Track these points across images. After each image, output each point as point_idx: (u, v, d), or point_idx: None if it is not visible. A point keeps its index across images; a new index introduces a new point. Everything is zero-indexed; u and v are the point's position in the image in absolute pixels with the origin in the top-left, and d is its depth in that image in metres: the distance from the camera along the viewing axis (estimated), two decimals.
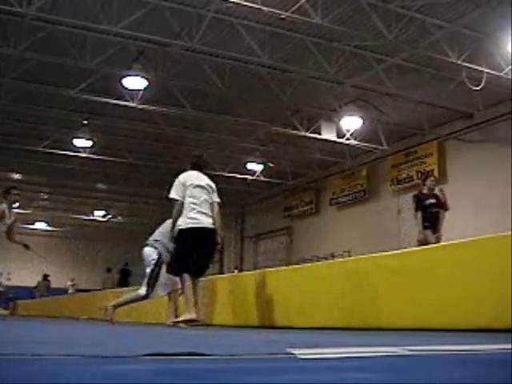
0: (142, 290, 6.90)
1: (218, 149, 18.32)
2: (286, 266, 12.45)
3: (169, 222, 6.52)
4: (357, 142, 16.29)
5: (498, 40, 11.03)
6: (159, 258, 7.03)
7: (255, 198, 23.92)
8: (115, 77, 12.78)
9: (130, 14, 10.38)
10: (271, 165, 19.52)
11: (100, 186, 23.70)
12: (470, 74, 12.23)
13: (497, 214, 12.95)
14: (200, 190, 6.24)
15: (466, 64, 11.69)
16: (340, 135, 15.89)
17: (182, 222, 6.12)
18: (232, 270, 21.68)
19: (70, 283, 25.26)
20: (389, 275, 5.40)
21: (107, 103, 14.15)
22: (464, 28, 11.08)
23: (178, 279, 6.61)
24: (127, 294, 7.76)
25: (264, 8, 9.92)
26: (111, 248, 30.62)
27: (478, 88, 12.42)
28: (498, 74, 11.96)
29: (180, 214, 6.14)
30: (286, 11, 10.11)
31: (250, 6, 9.92)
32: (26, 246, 8.89)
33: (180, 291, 6.95)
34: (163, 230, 7.11)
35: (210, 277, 8.12)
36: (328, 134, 15.53)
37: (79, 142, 17.06)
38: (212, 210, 6.24)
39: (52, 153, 17.56)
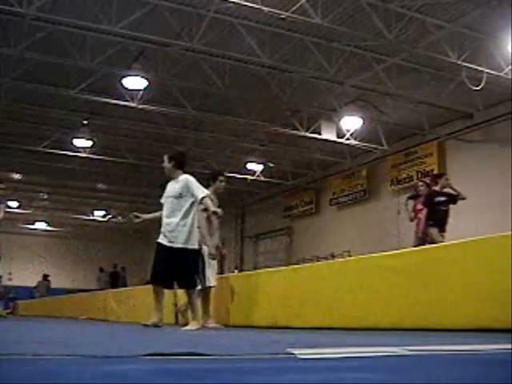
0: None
1: (218, 149, 18.31)
2: (286, 265, 12.46)
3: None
4: (357, 142, 16.28)
5: (498, 40, 11.03)
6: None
7: (255, 198, 23.91)
8: (115, 77, 12.78)
9: (129, 14, 10.38)
10: (271, 165, 19.52)
11: (100, 185, 23.69)
12: (469, 74, 12.23)
13: (497, 214, 12.94)
14: None
15: (466, 64, 11.69)
16: (340, 135, 15.88)
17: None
18: (232, 270, 21.69)
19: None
20: (389, 275, 5.40)
21: (107, 103, 14.14)
22: (464, 28, 11.08)
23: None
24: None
25: (264, 8, 9.92)
26: (111, 248, 30.65)
27: (478, 88, 12.41)
28: (497, 73, 11.96)
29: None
30: (286, 11, 10.10)
31: (250, 6, 9.91)
32: None
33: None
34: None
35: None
36: (328, 134, 15.53)
37: (79, 142, 17.05)
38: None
39: (52, 153, 17.55)
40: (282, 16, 10.22)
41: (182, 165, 6.28)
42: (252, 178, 19.89)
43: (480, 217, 13.52)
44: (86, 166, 19.59)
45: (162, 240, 6.09)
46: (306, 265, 8.61)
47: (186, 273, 6.08)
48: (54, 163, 19.10)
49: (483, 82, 12.14)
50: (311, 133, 15.74)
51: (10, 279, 28.08)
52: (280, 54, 11.96)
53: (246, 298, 7.39)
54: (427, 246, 6.80)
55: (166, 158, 6.36)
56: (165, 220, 6.14)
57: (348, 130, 15.76)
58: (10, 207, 25.65)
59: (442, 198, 9.05)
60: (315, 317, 6.21)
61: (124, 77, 12.62)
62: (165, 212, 6.18)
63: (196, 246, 6.13)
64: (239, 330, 6.25)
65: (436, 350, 2.34)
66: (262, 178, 20.07)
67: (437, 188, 9.19)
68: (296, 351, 2.01)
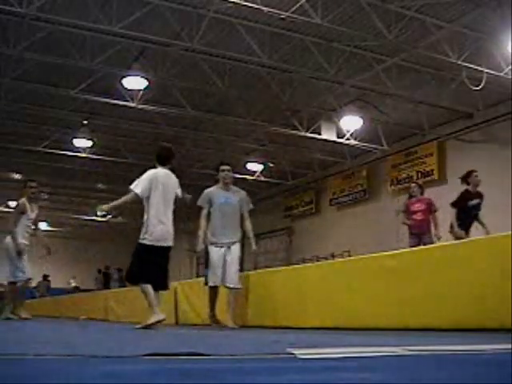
0: None
1: (218, 149, 18.31)
2: (286, 266, 12.45)
3: None
4: (357, 142, 16.29)
5: (498, 40, 11.03)
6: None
7: (255, 198, 23.86)
8: (115, 77, 12.78)
9: (129, 14, 10.38)
10: (271, 165, 19.53)
11: (100, 185, 23.71)
12: (470, 74, 12.23)
13: (497, 214, 12.93)
14: None
15: (466, 64, 11.69)
16: (340, 135, 15.89)
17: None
18: None
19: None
20: (389, 275, 5.40)
21: (107, 103, 14.15)
22: (464, 28, 11.08)
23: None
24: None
25: (264, 8, 9.92)
26: (111, 248, 30.62)
27: (478, 88, 12.42)
28: (497, 73, 11.97)
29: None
30: (286, 11, 10.11)
31: (250, 6, 9.91)
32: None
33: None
34: None
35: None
36: (328, 134, 15.53)
37: (79, 142, 17.06)
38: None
39: (52, 153, 17.57)
40: (282, 16, 10.22)
41: (161, 160, 6.08)
42: (252, 178, 19.89)
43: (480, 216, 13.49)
44: (86, 166, 19.61)
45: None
46: (306, 265, 8.60)
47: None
48: (53, 163, 19.11)
49: (483, 82, 12.15)
50: (311, 133, 15.74)
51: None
52: (280, 54, 11.96)
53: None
54: (427, 246, 6.79)
55: None
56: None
57: (348, 130, 15.76)
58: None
59: (476, 201, 8.56)
60: (315, 317, 6.20)
61: (124, 77, 12.62)
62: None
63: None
64: (240, 330, 6.25)
65: (436, 350, 2.34)
66: (262, 178, 20.08)
67: (469, 188, 8.58)
68: (296, 351, 2.01)
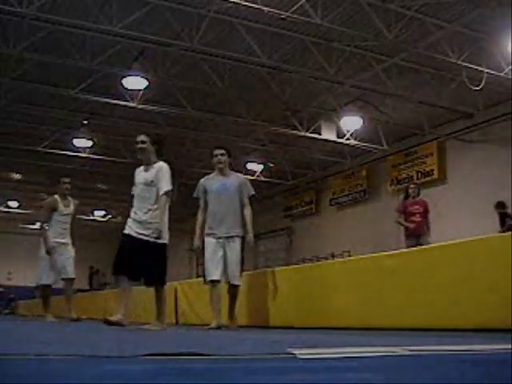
0: None
1: None
2: (287, 266, 12.46)
3: None
4: (357, 142, 16.29)
5: (498, 40, 11.03)
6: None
7: (255, 198, 23.87)
8: (115, 77, 12.78)
9: (129, 14, 10.39)
10: (271, 165, 19.52)
11: (100, 185, 23.70)
12: (469, 74, 12.23)
13: (497, 214, 12.92)
14: None
15: (466, 64, 11.69)
16: (340, 135, 15.89)
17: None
18: None
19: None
20: (388, 275, 5.40)
21: (107, 103, 14.15)
22: (464, 28, 11.08)
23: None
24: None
25: (264, 8, 9.92)
26: (111, 248, 30.60)
27: (478, 88, 12.42)
28: (497, 73, 11.97)
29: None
30: (286, 11, 10.11)
31: (250, 6, 9.92)
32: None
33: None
34: None
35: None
36: (328, 134, 15.53)
37: (79, 142, 17.06)
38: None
39: (52, 153, 17.56)
40: (282, 16, 10.23)
41: (162, 152, 5.81)
42: (252, 178, 19.88)
43: (480, 216, 13.51)
44: (86, 166, 19.60)
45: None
46: (306, 265, 8.61)
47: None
48: (53, 163, 19.09)
49: (483, 82, 12.15)
50: (311, 133, 15.74)
51: (9, 279, 28.12)
52: (280, 54, 11.96)
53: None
54: (427, 246, 6.80)
55: (146, 138, 5.82)
56: (134, 209, 5.61)
57: (348, 130, 15.76)
58: (9, 207, 25.66)
59: None
60: (314, 317, 6.20)
61: (124, 77, 12.62)
62: (135, 201, 5.68)
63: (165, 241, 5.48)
64: (241, 330, 6.24)
65: (436, 350, 2.34)
66: (262, 178, 20.07)
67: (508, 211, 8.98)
68: (296, 351, 2.01)
